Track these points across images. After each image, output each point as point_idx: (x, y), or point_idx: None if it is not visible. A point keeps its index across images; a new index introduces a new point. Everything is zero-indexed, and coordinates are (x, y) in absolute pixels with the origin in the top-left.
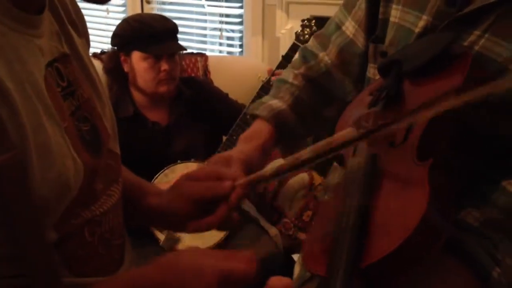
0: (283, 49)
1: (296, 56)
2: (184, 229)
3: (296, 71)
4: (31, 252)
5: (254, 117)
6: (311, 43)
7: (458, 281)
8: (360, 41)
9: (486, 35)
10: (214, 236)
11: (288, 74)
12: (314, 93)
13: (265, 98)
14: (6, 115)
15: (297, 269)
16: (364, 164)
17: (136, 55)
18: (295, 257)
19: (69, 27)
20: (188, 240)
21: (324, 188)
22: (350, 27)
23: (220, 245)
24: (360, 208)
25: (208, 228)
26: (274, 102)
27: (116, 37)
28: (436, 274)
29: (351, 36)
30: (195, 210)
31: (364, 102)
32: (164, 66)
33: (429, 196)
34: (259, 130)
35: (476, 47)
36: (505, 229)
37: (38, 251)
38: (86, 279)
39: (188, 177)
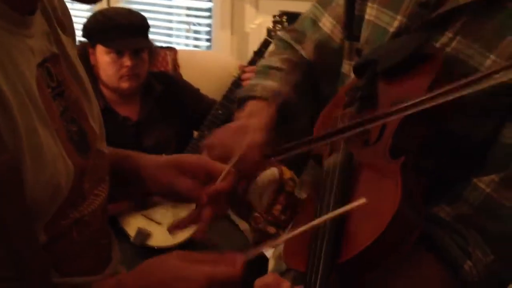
0: (252, 44)
1: (274, 45)
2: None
3: (281, 56)
4: (23, 254)
5: (248, 99)
6: (284, 36)
7: (430, 274)
8: (338, 36)
9: (458, 37)
10: (184, 231)
11: (274, 59)
12: (302, 74)
13: (257, 80)
14: (1, 117)
15: (271, 263)
16: (340, 162)
17: (99, 49)
18: (266, 251)
19: (57, 26)
20: (158, 235)
21: (299, 185)
22: (327, 23)
23: (191, 240)
24: (336, 205)
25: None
26: (269, 83)
27: (84, 29)
28: (409, 267)
29: (328, 32)
30: (185, 180)
31: (339, 103)
32: (127, 62)
33: (402, 192)
34: (258, 108)
35: (448, 49)
36: (475, 224)
37: (30, 253)
38: (72, 279)
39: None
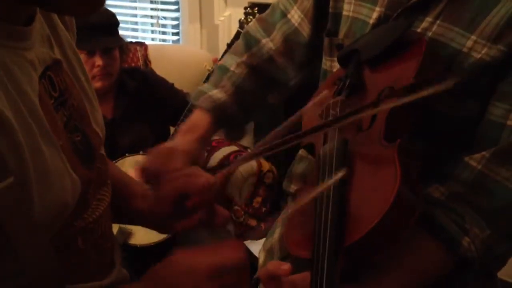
0: (222, 37)
1: (239, 41)
2: (168, 231)
3: (239, 60)
4: (34, 267)
5: (195, 106)
6: (254, 27)
7: (428, 252)
8: (305, 30)
9: (438, 21)
10: None
11: (230, 62)
12: (257, 80)
13: (206, 87)
14: (5, 145)
15: (261, 257)
16: (336, 150)
17: None
18: (247, 243)
19: (59, 23)
20: (140, 233)
21: (288, 178)
22: (295, 16)
23: (174, 236)
24: (336, 191)
25: (194, 226)
26: (215, 92)
27: None
28: (407, 246)
29: (296, 24)
30: (174, 210)
31: (327, 93)
32: (98, 61)
33: (401, 174)
34: (198, 122)
35: (429, 33)
36: (468, 201)
37: (43, 267)
38: (77, 286)
39: (166, 181)
